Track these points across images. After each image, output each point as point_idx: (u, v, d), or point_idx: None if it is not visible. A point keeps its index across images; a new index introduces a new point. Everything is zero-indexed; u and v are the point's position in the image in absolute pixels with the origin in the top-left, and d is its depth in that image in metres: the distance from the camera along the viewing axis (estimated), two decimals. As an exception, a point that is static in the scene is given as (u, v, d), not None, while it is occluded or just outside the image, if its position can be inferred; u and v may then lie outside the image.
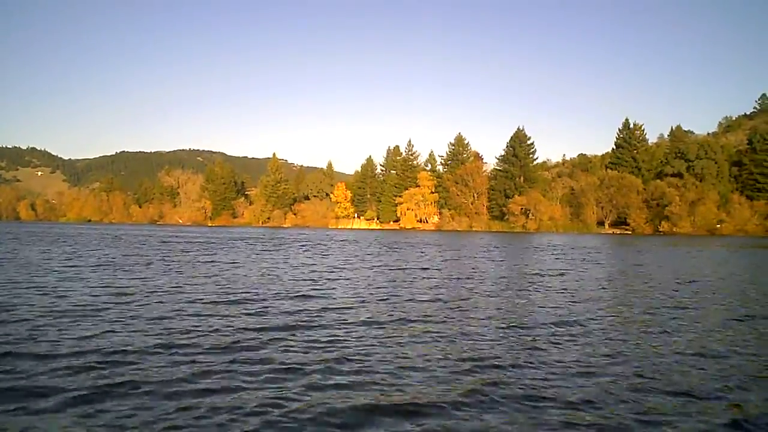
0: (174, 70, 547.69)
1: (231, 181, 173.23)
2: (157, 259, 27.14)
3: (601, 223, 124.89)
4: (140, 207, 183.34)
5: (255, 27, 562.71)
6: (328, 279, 20.01)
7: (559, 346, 9.94)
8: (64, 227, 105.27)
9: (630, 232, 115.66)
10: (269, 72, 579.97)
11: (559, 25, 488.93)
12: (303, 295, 15.30)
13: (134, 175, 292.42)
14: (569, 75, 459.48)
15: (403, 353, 9.13)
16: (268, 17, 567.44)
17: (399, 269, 24.67)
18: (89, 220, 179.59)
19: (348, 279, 20.21)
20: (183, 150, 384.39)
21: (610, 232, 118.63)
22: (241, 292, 15.65)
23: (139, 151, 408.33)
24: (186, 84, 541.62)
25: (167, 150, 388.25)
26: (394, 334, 10.58)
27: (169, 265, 24.33)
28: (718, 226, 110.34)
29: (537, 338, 10.51)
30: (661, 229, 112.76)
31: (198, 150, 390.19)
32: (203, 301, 14.10)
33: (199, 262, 26.72)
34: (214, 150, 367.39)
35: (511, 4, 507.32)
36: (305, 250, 38.28)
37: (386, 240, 62.11)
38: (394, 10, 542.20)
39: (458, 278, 21.16)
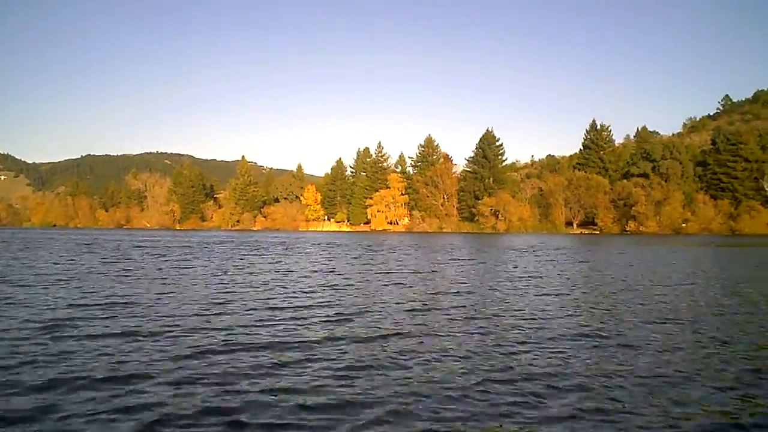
0: (141, 72, 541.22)
1: (199, 184, 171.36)
2: (155, 269, 26.43)
3: (569, 224, 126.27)
4: (107, 211, 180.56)
5: (222, 29, 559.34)
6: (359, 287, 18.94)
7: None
8: (28, 232, 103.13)
9: (598, 232, 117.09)
10: (237, 74, 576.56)
11: (527, 28, 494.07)
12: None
13: (100, 178, 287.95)
14: (537, 77, 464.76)
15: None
16: (236, 19, 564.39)
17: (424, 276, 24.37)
18: (54, 225, 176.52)
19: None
20: (150, 153, 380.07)
21: (579, 232, 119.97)
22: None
23: (106, 155, 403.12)
24: (153, 86, 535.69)
25: (134, 153, 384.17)
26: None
27: (171, 274, 23.64)
28: (684, 225, 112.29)
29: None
30: (627, 229, 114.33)
31: (166, 153, 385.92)
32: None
33: (200, 269, 26.19)
34: (182, 153, 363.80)
35: (479, 6, 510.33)
36: (303, 255, 37.45)
37: (367, 242, 61.62)
38: (362, 12, 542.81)
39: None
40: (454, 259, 33.47)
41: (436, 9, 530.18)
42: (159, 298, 15.04)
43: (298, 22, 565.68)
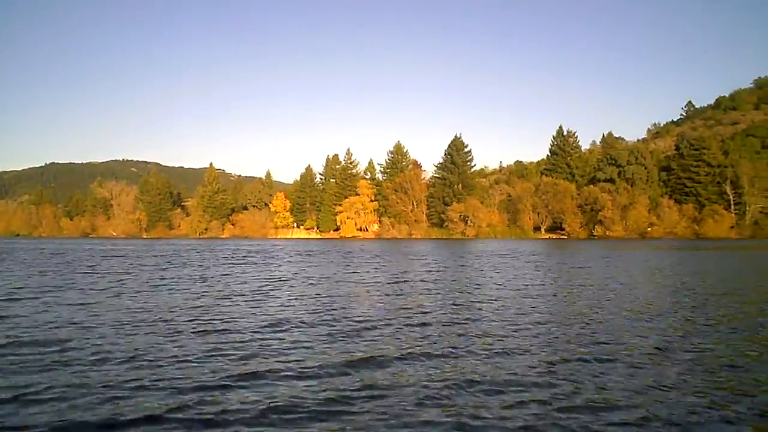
0: (105, 77, 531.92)
1: (166, 192, 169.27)
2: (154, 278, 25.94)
3: (537, 229, 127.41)
4: (71, 220, 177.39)
5: (188, 34, 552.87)
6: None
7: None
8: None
9: (565, 237, 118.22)
10: (205, 80, 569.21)
11: (494, 33, 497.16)
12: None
13: (65, 187, 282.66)
14: (505, 83, 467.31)
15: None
16: (201, 26, 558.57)
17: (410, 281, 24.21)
18: (17, 234, 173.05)
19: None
20: (116, 161, 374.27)
21: (547, 237, 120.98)
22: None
23: (70, 163, 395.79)
24: (118, 92, 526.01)
25: (99, 161, 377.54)
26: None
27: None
28: (649, 229, 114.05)
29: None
30: (595, 233, 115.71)
31: (132, 160, 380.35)
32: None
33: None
34: (148, 160, 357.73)
35: (446, 12, 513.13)
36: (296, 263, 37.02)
37: (346, 249, 61.27)
38: (329, 20, 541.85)
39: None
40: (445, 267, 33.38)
41: (403, 15, 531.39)
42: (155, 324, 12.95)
43: (265, 28, 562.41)
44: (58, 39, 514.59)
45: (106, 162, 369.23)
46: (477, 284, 22.07)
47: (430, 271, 29.27)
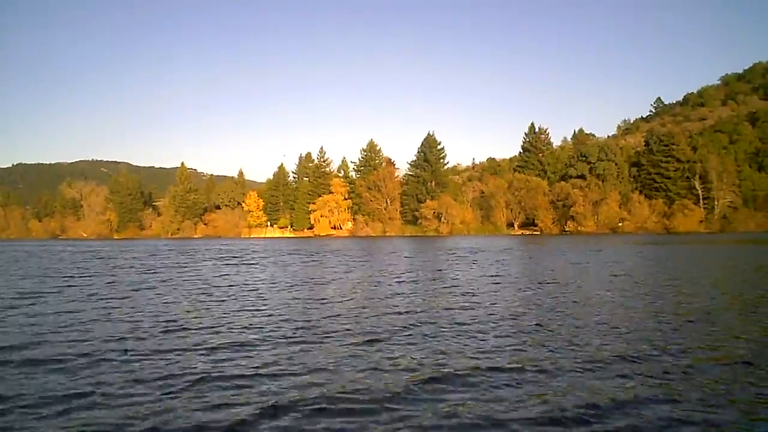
0: (74, 74, 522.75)
1: (137, 192, 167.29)
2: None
3: (510, 225, 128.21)
4: (40, 221, 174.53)
5: (158, 31, 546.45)
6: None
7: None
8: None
9: (538, 233, 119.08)
10: (175, 78, 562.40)
11: (465, 29, 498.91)
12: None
13: (33, 187, 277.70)
14: (477, 80, 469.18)
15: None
16: (171, 21, 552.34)
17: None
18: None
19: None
20: (85, 161, 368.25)
21: (520, 233, 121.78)
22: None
23: (38, 163, 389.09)
24: (88, 90, 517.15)
25: (68, 161, 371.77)
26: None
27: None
28: (620, 224, 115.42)
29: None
30: (567, 229, 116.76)
31: (101, 160, 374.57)
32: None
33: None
34: (118, 160, 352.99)
35: (418, 10, 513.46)
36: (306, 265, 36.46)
37: (332, 248, 60.99)
38: (302, 16, 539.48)
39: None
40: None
41: (375, 14, 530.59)
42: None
43: (238, 27, 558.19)
44: (23, 37, 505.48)
45: (75, 162, 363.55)
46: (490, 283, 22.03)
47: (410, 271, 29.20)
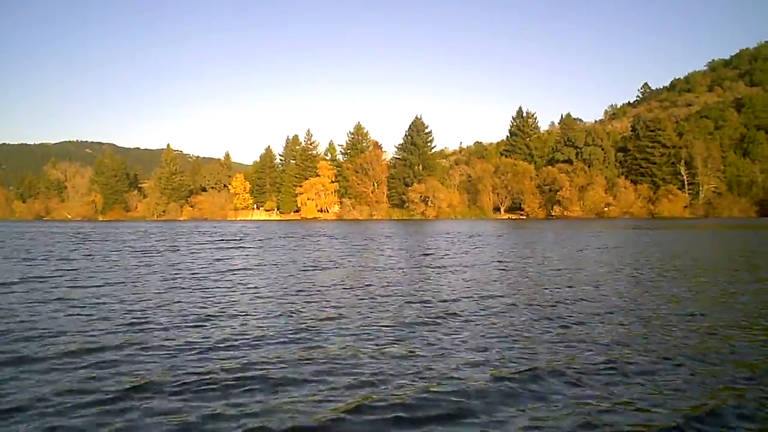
0: (58, 55, 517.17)
1: (123, 173, 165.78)
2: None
3: (497, 209, 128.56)
4: (24, 202, 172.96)
5: (145, 11, 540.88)
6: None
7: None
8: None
9: (524, 217, 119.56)
10: (161, 58, 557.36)
11: (454, 16, 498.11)
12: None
13: (16, 169, 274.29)
14: (465, 64, 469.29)
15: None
16: (157, 3, 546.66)
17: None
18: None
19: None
20: (70, 141, 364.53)
21: (506, 217, 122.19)
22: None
23: (22, 144, 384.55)
24: (73, 71, 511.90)
25: (53, 142, 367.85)
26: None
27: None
28: (606, 209, 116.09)
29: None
30: (553, 214, 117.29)
31: (86, 141, 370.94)
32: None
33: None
34: (103, 141, 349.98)
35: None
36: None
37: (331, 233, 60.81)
38: (289, 1, 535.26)
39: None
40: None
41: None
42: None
43: (222, 8, 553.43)
44: (6, 19, 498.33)
45: (60, 143, 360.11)
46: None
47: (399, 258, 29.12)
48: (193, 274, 18.43)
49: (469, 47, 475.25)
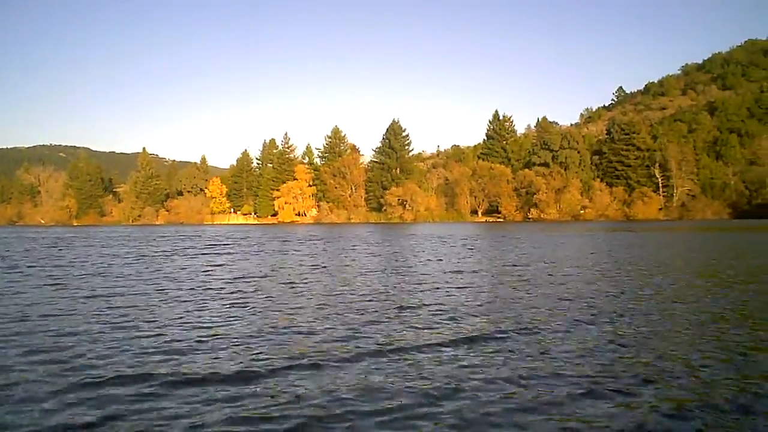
0: (30, 58, 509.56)
1: (97, 177, 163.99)
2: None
3: (474, 212, 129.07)
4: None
5: (119, 14, 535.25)
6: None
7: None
8: None
9: (502, 220, 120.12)
10: (136, 61, 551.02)
11: (431, 18, 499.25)
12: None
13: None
14: (442, 68, 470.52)
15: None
16: (131, 4, 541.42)
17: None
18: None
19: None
20: (44, 145, 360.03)
21: (483, 220, 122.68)
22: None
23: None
24: (46, 73, 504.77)
25: (26, 146, 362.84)
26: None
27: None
28: (582, 211, 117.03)
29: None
30: (530, 216, 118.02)
31: (60, 145, 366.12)
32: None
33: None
34: (78, 145, 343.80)
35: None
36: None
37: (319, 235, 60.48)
38: (265, 2, 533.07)
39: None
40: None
41: (335, 2, 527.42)
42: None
43: (199, 10, 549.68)
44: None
45: (33, 147, 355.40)
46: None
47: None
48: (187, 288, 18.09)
49: (447, 50, 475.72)
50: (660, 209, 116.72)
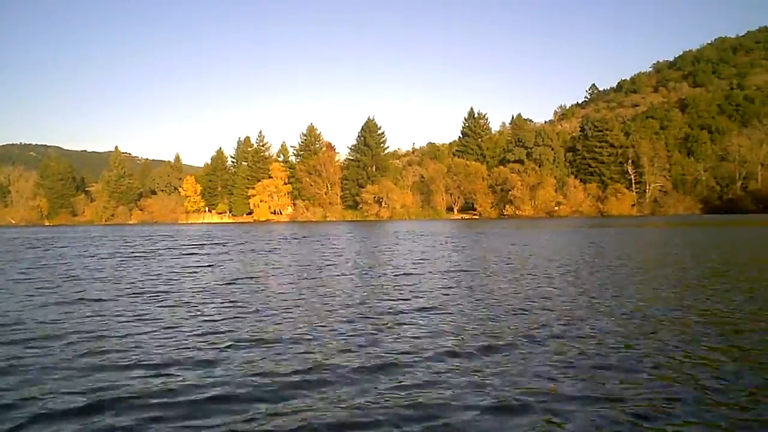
0: None
1: (69, 177, 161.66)
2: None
3: (450, 209, 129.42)
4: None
5: (91, 9, 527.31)
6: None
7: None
8: None
9: (477, 217, 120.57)
10: (108, 58, 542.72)
11: (406, 15, 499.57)
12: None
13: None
14: (417, 65, 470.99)
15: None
16: (107, 3, 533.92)
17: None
18: None
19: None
20: (13, 144, 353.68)
21: (459, 217, 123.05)
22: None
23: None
24: (14, 71, 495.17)
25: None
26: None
27: None
28: (556, 208, 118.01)
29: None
30: (505, 213, 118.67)
31: (30, 144, 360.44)
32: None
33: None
34: (48, 144, 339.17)
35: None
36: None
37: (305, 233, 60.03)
38: (239, 1, 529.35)
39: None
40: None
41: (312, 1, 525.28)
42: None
43: (173, 6, 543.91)
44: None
45: (3, 146, 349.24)
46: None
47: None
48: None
49: (422, 48, 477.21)
50: (633, 205, 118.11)
